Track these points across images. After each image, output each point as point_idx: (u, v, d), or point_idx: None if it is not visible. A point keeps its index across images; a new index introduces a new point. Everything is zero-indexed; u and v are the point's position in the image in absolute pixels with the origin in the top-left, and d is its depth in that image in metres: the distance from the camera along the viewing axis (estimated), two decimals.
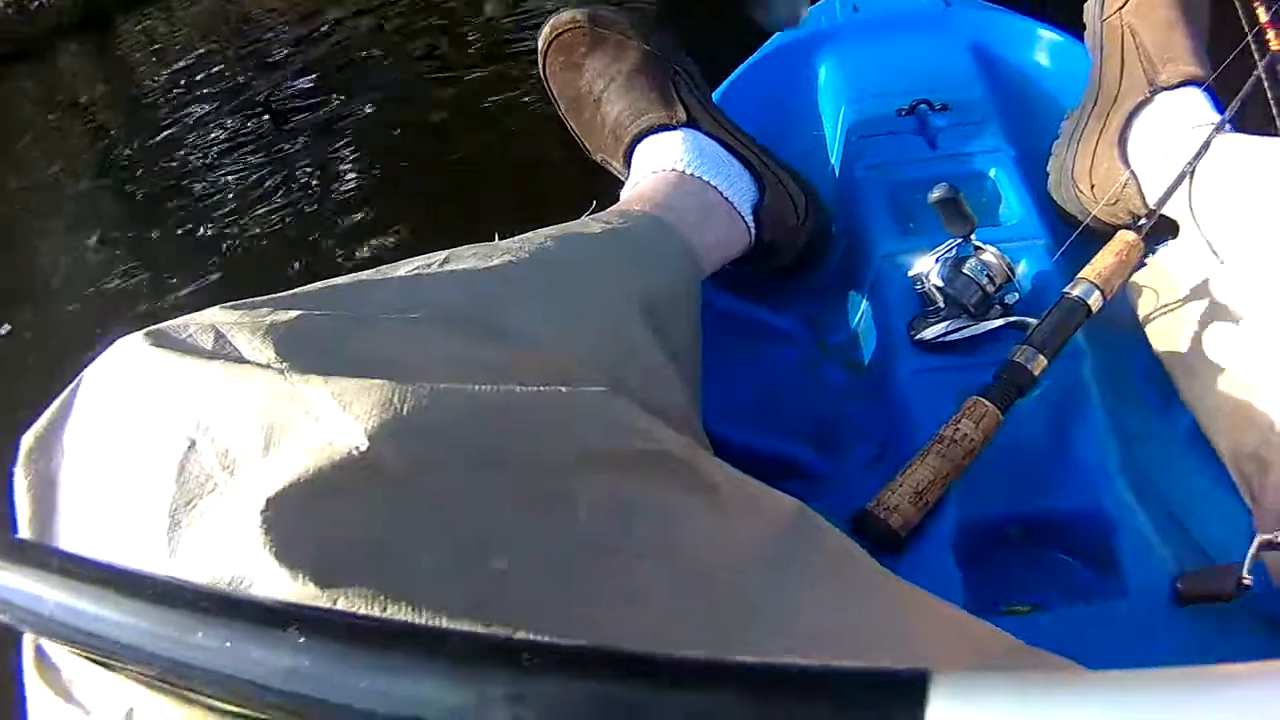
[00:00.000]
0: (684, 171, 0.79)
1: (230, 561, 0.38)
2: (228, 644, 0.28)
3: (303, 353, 0.45)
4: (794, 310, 0.87)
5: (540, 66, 0.89)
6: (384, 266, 0.57)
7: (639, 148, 0.83)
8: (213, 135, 2.27)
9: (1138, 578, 0.63)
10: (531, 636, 0.31)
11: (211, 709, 0.32)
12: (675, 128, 0.82)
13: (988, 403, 0.67)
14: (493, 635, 0.31)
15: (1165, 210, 0.77)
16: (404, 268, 0.57)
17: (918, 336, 0.75)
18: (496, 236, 0.63)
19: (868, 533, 0.65)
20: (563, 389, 0.47)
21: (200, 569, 0.38)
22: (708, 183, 0.79)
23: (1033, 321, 0.71)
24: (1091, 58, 0.91)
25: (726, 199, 0.80)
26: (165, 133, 2.34)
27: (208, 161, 2.19)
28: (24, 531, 0.45)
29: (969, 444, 0.65)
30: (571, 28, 0.86)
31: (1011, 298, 0.76)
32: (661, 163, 0.80)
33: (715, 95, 0.94)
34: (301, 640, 0.27)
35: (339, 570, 0.37)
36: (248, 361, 0.44)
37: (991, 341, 0.74)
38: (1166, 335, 0.76)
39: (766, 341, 0.85)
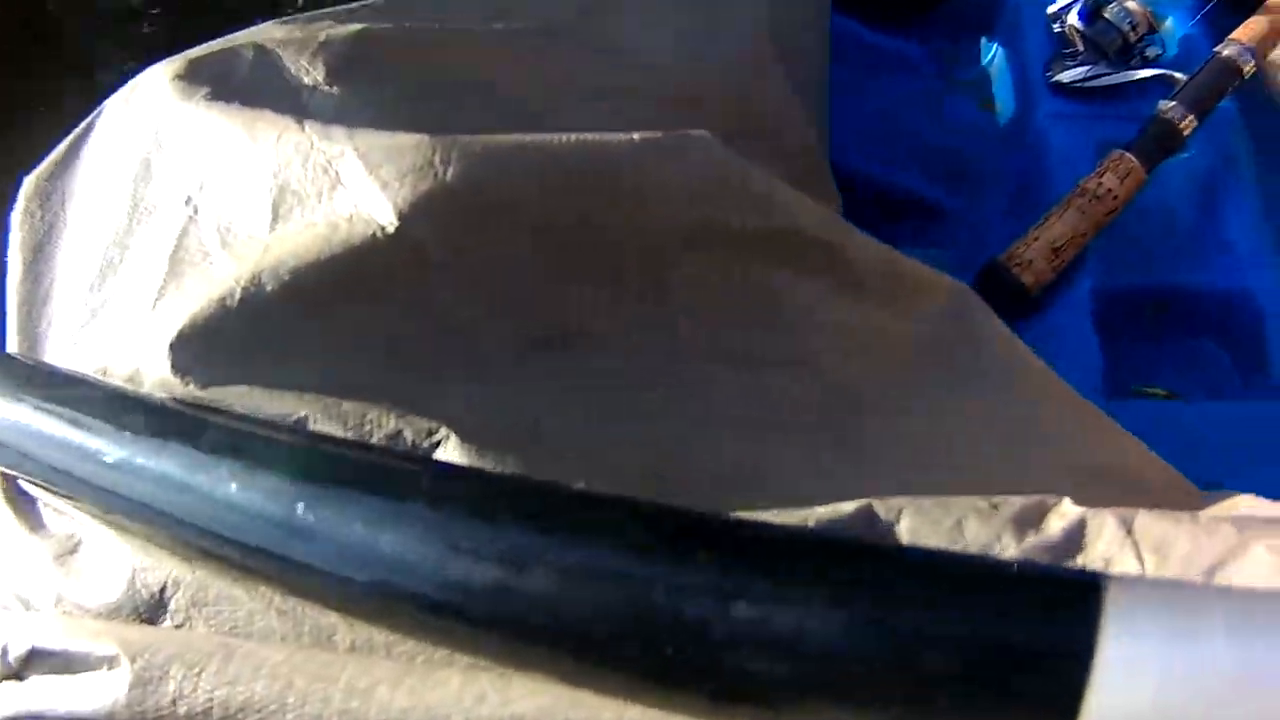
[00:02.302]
0: None
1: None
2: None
3: (358, 75, 0.38)
4: (921, 41, 0.84)
5: None
6: None
7: None
8: None
9: None
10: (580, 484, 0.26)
11: (151, 540, 0.29)
12: None
13: (1133, 158, 0.67)
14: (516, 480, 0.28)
15: None
16: None
17: (1055, 78, 0.75)
18: None
19: (998, 287, 0.63)
20: (661, 136, 0.38)
21: (162, 364, 0.32)
22: None
23: (1181, 77, 0.70)
24: None
25: None
26: None
27: None
28: (12, 293, 0.40)
29: (1111, 200, 0.65)
30: None
31: (1153, 51, 0.75)
32: None
33: None
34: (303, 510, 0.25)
35: (349, 386, 0.30)
36: (266, 107, 0.37)
37: (1136, 95, 0.73)
38: None
39: (890, 70, 0.83)
